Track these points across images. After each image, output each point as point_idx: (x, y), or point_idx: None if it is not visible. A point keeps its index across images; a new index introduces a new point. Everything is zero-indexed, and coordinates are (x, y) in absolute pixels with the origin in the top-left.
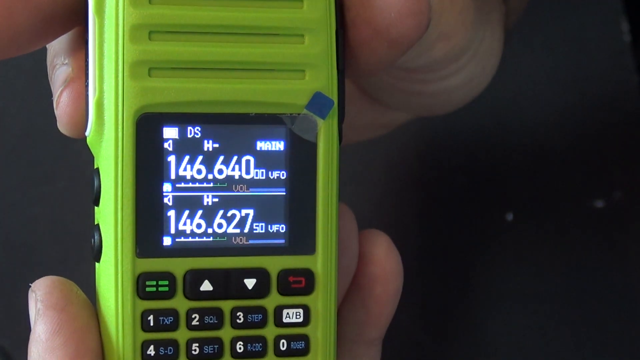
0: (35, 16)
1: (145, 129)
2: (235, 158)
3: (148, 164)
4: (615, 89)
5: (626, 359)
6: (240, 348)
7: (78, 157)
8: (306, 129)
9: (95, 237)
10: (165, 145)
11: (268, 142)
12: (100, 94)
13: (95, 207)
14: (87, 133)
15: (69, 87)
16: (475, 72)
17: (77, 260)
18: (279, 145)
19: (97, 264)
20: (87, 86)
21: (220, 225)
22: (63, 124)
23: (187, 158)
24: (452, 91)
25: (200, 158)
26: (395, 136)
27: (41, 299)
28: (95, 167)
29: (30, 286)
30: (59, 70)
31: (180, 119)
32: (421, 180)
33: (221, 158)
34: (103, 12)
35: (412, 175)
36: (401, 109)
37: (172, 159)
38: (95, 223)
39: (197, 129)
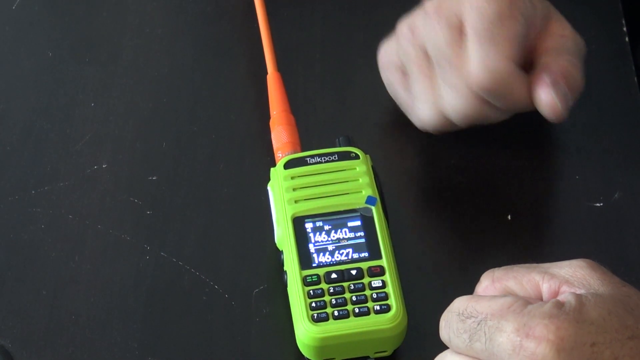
0: None
1: (297, 223)
2: (339, 229)
3: (302, 237)
4: (615, 89)
5: None
6: (354, 299)
7: (78, 157)
8: (366, 211)
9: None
10: (307, 228)
11: (352, 221)
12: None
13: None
14: (275, 240)
15: None
16: None
17: (77, 260)
18: (357, 221)
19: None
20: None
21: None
22: None
23: (317, 232)
24: None
25: (324, 231)
26: (396, 138)
27: None
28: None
29: None
30: None
31: (313, 218)
32: (420, 180)
33: (333, 230)
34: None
35: (412, 175)
36: None
37: (311, 234)
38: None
39: (321, 220)
